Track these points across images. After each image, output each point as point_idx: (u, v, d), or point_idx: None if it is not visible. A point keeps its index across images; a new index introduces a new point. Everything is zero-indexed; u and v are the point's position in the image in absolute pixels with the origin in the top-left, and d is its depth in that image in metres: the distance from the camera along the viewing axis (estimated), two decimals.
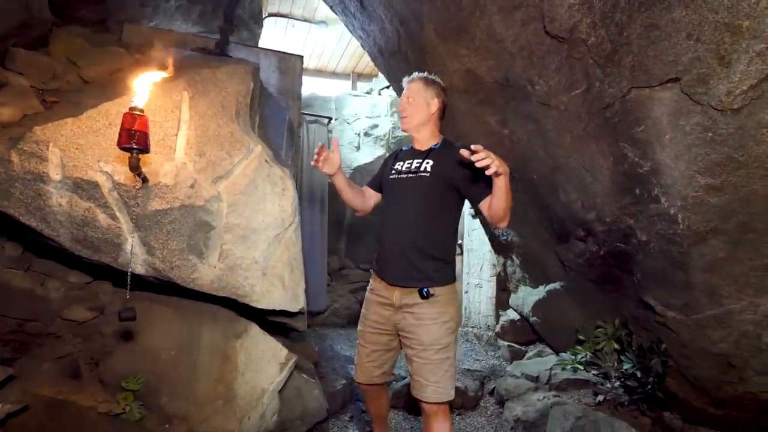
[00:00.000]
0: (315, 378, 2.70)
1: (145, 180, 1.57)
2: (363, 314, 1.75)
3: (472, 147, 1.30)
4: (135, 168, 1.36)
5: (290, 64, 3.79)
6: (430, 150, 1.66)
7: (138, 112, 1.36)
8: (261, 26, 4.70)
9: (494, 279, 4.28)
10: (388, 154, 1.86)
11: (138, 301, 2.02)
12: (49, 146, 1.50)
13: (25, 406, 1.57)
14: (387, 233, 1.66)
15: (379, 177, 1.83)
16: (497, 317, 4.20)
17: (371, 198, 1.84)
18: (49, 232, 1.55)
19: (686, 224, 1.65)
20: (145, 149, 1.36)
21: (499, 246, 3.83)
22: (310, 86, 6.09)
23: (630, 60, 1.61)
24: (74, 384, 1.89)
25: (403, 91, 1.74)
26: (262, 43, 4.75)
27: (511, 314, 4.00)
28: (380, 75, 6.36)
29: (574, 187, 2.21)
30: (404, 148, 1.80)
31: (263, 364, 2.07)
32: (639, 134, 1.69)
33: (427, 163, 1.61)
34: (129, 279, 1.47)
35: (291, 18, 5.12)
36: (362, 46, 3.80)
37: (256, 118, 2.39)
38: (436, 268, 1.57)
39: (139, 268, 1.70)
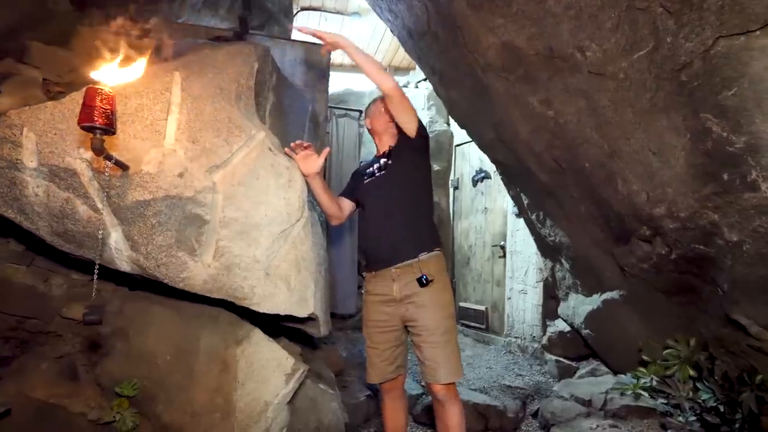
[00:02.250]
0: (335, 388, 2.47)
1: (124, 167, 1.41)
2: (365, 317, 1.82)
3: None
4: (98, 150, 1.19)
5: (317, 56, 3.62)
6: (389, 149, 1.87)
7: (104, 88, 1.18)
8: (292, 20, 4.59)
9: (541, 285, 3.85)
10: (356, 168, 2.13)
11: (135, 300, 1.90)
12: (24, 131, 1.38)
13: (8, 410, 1.46)
14: (373, 226, 1.81)
15: (352, 187, 1.97)
16: (544, 328, 3.77)
17: (346, 208, 1.95)
18: (28, 224, 1.44)
19: None
20: (110, 129, 1.19)
21: (546, 248, 3.41)
22: (345, 82, 5.93)
23: None
24: (70, 386, 1.79)
25: (383, 107, 1.92)
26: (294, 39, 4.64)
27: (560, 325, 3.55)
28: (417, 68, 6.06)
29: (637, 176, 1.80)
30: (370, 158, 2.00)
31: (267, 374, 1.86)
32: (729, 100, 1.28)
33: (387, 159, 1.83)
34: (95, 275, 1.30)
35: (324, 11, 4.98)
36: (391, 30, 3.54)
37: (266, 105, 2.20)
38: (422, 238, 1.73)
39: (124, 265, 1.55)
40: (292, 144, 1.77)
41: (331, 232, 4.00)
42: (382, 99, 1.89)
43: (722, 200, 1.43)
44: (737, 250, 1.44)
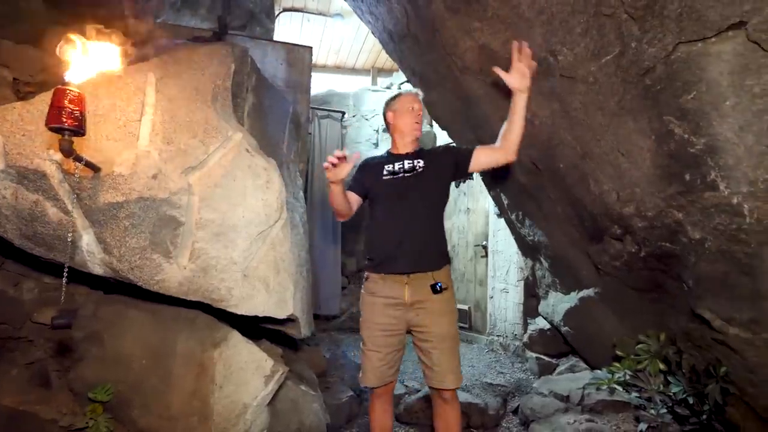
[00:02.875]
0: (317, 389, 2.47)
1: (95, 169, 1.39)
2: (367, 319, 1.76)
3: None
4: (67, 152, 1.17)
5: (299, 56, 3.61)
6: (416, 152, 1.83)
7: (72, 89, 1.17)
8: (274, 21, 4.57)
9: (522, 284, 3.91)
10: (360, 162, 1.91)
11: (110, 304, 1.87)
12: None
13: None
14: (392, 227, 1.73)
15: (361, 181, 1.86)
16: (525, 326, 3.83)
17: (354, 203, 1.85)
18: None
19: (755, 216, 1.28)
20: (79, 130, 1.18)
21: (526, 247, 3.46)
22: (328, 83, 5.93)
23: (676, 6, 1.26)
24: (42, 392, 1.75)
25: (415, 101, 1.88)
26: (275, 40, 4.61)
27: (541, 323, 3.61)
28: (401, 71, 6.10)
29: (608, 176, 1.85)
30: (385, 155, 1.91)
31: (245, 376, 1.85)
32: (689, 103, 1.34)
33: (418, 162, 1.77)
34: (65, 278, 1.28)
35: (306, 12, 4.97)
36: (373, 33, 3.57)
37: (245, 105, 2.19)
38: (441, 252, 1.75)
39: (97, 268, 1.53)
40: (335, 156, 1.53)
41: (314, 233, 4.00)
42: (415, 97, 1.87)
43: (685, 199, 1.49)
44: (700, 247, 1.50)
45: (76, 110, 1.17)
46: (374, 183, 1.81)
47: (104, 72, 1.52)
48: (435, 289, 1.64)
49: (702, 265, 1.53)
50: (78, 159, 1.24)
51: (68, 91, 1.16)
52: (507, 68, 2.01)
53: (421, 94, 1.94)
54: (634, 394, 2.26)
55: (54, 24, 2.52)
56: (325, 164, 1.52)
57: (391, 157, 1.86)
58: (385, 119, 1.92)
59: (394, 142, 1.90)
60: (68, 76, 1.17)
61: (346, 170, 1.59)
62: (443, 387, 1.65)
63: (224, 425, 1.79)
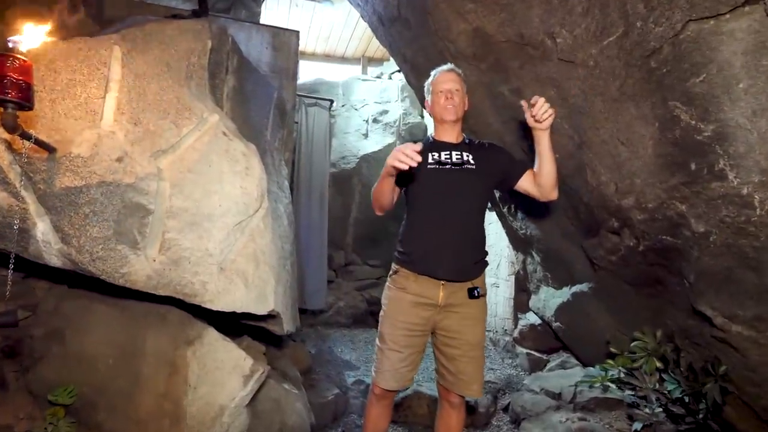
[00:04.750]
0: (300, 388, 2.36)
1: (50, 149, 1.25)
2: (390, 315, 1.61)
3: (533, 100, 1.38)
4: (11, 128, 1.03)
5: (284, 40, 3.46)
6: (465, 143, 1.65)
7: (17, 55, 1.02)
8: (260, 5, 4.39)
9: (513, 278, 3.85)
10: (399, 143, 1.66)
11: (73, 299, 1.73)
12: None
13: None
14: (434, 226, 1.57)
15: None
16: (516, 321, 3.76)
17: (394, 196, 1.66)
18: None
19: (766, 208, 1.20)
20: (25, 104, 1.03)
21: (517, 241, 3.39)
22: (317, 71, 5.77)
23: None
24: None
25: (444, 80, 1.63)
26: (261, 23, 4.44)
27: (532, 318, 3.55)
28: (392, 58, 5.96)
29: (606, 167, 1.77)
30: (429, 139, 1.70)
31: (222, 376, 1.74)
32: (698, 87, 1.25)
33: (468, 156, 1.59)
34: (11, 270, 1.15)
35: None
36: (362, 17, 3.43)
37: (224, 88, 2.06)
38: (481, 261, 1.61)
39: (54, 260, 1.39)
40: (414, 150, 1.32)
41: (300, 225, 3.87)
42: (447, 73, 1.64)
43: (689, 190, 1.41)
44: (704, 241, 1.42)
45: (22, 80, 1.02)
46: (416, 170, 1.53)
47: (61, 42, 1.37)
48: (473, 294, 1.53)
49: (705, 260, 1.45)
50: (25, 136, 1.10)
51: (12, 59, 1.01)
52: (500, 54, 1.90)
53: (454, 68, 1.68)
54: (628, 392, 2.20)
55: None
56: (402, 158, 1.29)
57: (436, 144, 1.64)
58: (447, 95, 1.61)
59: (435, 128, 1.69)
60: (12, 42, 1.03)
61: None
62: (467, 395, 1.58)
63: (198, 428, 1.67)
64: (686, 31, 1.21)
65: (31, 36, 1.11)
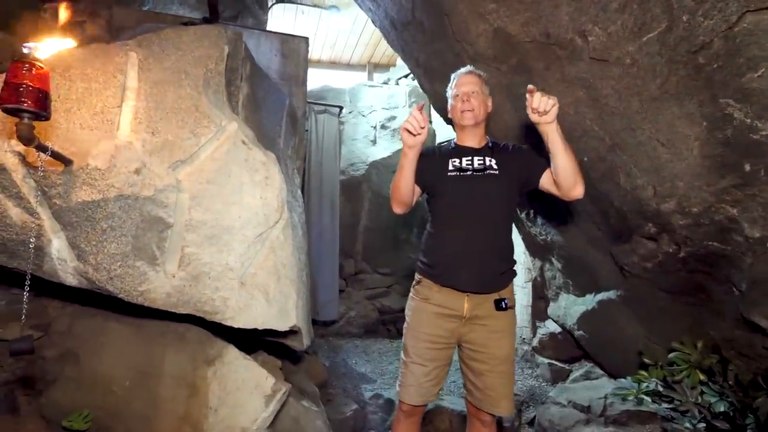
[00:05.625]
0: (319, 404, 2.27)
1: (66, 161, 1.17)
2: (413, 327, 1.55)
3: (529, 87, 1.27)
4: (27, 139, 0.96)
5: (294, 47, 3.41)
6: (488, 148, 1.57)
7: (33, 62, 0.95)
8: (267, 12, 4.36)
9: (530, 285, 3.75)
10: (423, 149, 1.58)
11: (88, 318, 1.65)
12: None
13: None
14: (456, 235, 1.51)
15: (423, 172, 1.57)
16: (534, 329, 3.66)
17: (415, 194, 1.61)
18: None
19: None
20: (42, 113, 0.96)
21: (535, 247, 3.30)
22: (323, 78, 5.73)
23: None
24: (9, 421, 1.52)
25: (461, 83, 1.58)
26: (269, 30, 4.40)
27: (551, 326, 3.45)
28: (398, 64, 5.92)
29: (643, 169, 1.68)
30: (450, 145, 1.65)
31: (243, 397, 1.65)
32: (755, 82, 1.17)
33: (491, 160, 1.52)
34: (26, 290, 1.07)
35: (300, 4, 4.76)
36: (373, 21, 3.38)
37: (239, 95, 1.98)
38: (508, 271, 1.53)
39: (70, 278, 1.31)
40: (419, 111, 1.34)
41: (311, 234, 3.79)
42: (464, 76, 1.58)
43: (743, 193, 1.32)
44: (759, 247, 1.34)
45: (39, 88, 0.95)
46: (437, 177, 1.55)
47: (77, 50, 1.30)
48: (500, 306, 1.45)
49: (760, 267, 1.37)
50: (42, 148, 1.03)
51: (29, 65, 0.94)
52: (523, 55, 1.82)
53: (473, 70, 1.61)
54: (664, 405, 2.10)
55: (27, 9, 2.30)
56: (408, 125, 1.31)
57: (457, 149, 1.59)
58: (464, 97, 1.56)
59: (456, 133, 1.64)
60: (29, 48, 0.96)
61: (424, 135, 1.37)
62: (496, 412, 1.48)
63: None
64: (742, 23, 1.14)
65: (49, 43, 1.04)
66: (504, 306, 1.45)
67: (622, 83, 1.61)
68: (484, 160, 1.52)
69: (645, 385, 2.11)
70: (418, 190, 1.59)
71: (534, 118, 1.32)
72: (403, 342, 1.59)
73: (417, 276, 1.61)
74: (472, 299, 1.47)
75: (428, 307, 1.52)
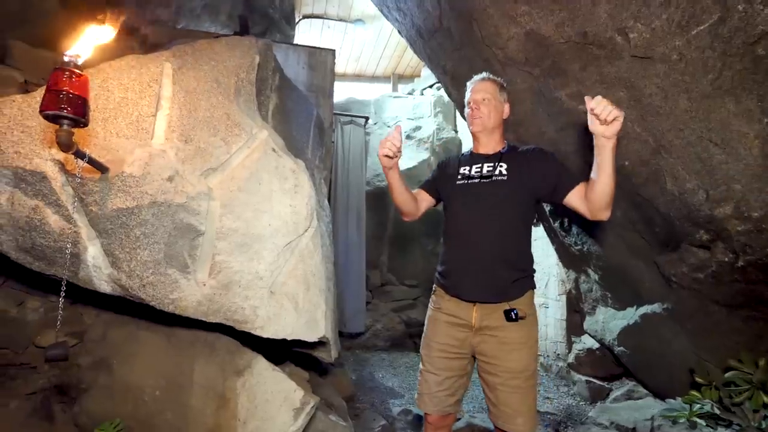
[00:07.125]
0: (347, 419, 2.21)
1: (102, 169, 1.19)
2: (427, 336, 1.56)
3: (587, 99, 1.20)
4: (66, 145, 0.97)
5: (321, 59, 3.45)
6: (500, 153, 1.53)
7: (73, 69, 0.97)
8: (294, 28, 4.46)
9: (564, 298, 3.59)
10: (440, 159, 1.74)
11: (120, 326, 1.66)
12: None
13: None
14: (461, 244, 1.50)
15: (435, 181, 1.65)
16: (569, 344, 3.49)
17: (424, 202, 1.65)
18: None
19: None
20: (80, 120, 0.97)
21: (569, 258, 3.15)
22: (348, 91, 5.79)
23: None
24: (44, 428, 1.54)
25: (474, 90, 1.57)
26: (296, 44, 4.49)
27: (588, 341, 3.27)
28: (423, 74, 5.92)
29: (693, 172, 1.57)
30: (464, 153, 1.66)
31: (272, 409, 1.61)
32: None
33: (501, 166, 1.49)
34: (62, 297, 1.07)
35: (326, 18, 4.85)
36: (399, 32, 3.38)
37: (269, 105, 2.00)
38: (520, 280, 1.45)
39: (104, 286, 1.32)
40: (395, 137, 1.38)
41: (338, 244, 3.77)
42: (477, 83, 1.55)
43: None
44: None
45: (78, 95, 0.96)
46: (446, 187, 1.57)
47: (115, 61, 1.33)
48: (509, 316, 1.38)
49: None
50: (80, 155, 1.04)
51: (69, 72, 0.96)
52: (557, 57, 1.75)
53: (487, 76, 1.58)
54: (721, 429, 1.92)
55: (69, 26, 2.40)
56: (384, 150, 1.36)
57: (471, 157, 1.58)
58: (470, 107, 1.58)
59: (472, 141, 1.63)
60: (70, 56, 0.97)
61: (400, 155, 1.42)
62: (512, 429, 1.41)
63: None
64: None
65: (86, 46, 1.05)
66: (514, 316, 1.38)
67: (667, 81, 1.51)
68: (493, 166, 1.50)
69: (698, 406, 1.94)
70: (429, 198, 1.65)
71: (593, 127, 1.21)
72: (420, 351, 1.59)
73: (434, 285, 1.61)
74: (480, 309, 1.44)
75: (441, 316, 1.52)
